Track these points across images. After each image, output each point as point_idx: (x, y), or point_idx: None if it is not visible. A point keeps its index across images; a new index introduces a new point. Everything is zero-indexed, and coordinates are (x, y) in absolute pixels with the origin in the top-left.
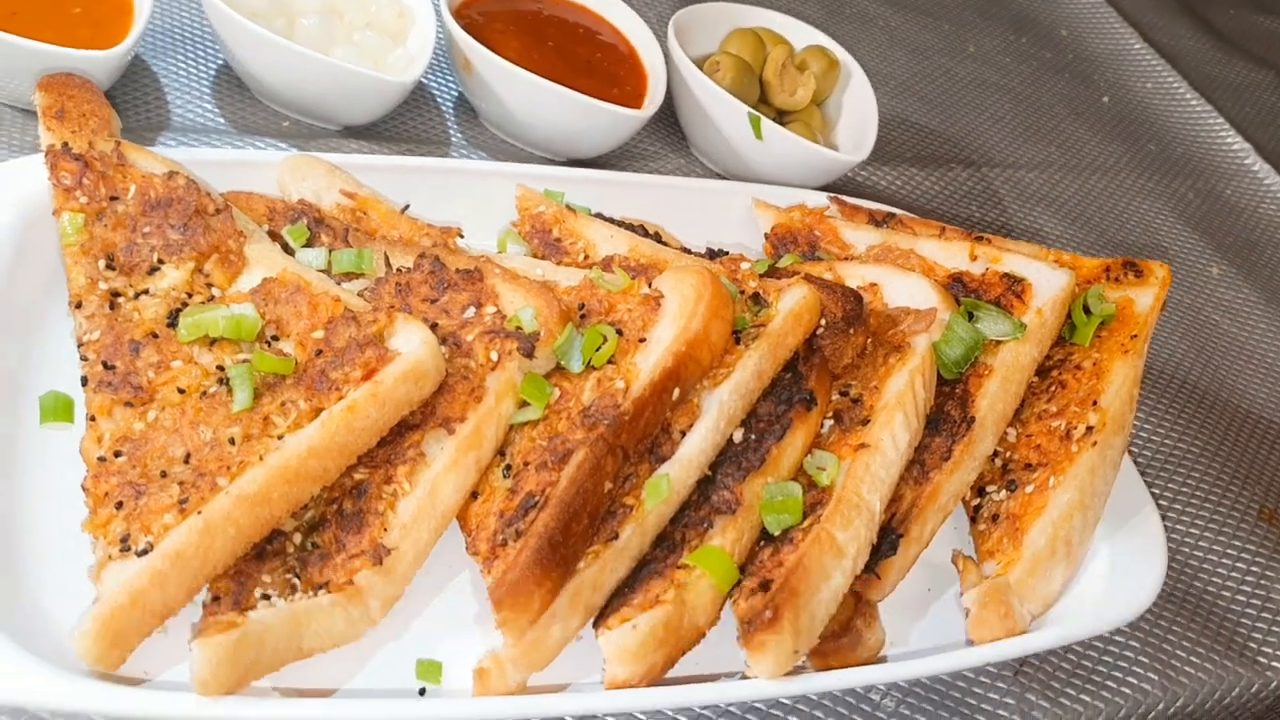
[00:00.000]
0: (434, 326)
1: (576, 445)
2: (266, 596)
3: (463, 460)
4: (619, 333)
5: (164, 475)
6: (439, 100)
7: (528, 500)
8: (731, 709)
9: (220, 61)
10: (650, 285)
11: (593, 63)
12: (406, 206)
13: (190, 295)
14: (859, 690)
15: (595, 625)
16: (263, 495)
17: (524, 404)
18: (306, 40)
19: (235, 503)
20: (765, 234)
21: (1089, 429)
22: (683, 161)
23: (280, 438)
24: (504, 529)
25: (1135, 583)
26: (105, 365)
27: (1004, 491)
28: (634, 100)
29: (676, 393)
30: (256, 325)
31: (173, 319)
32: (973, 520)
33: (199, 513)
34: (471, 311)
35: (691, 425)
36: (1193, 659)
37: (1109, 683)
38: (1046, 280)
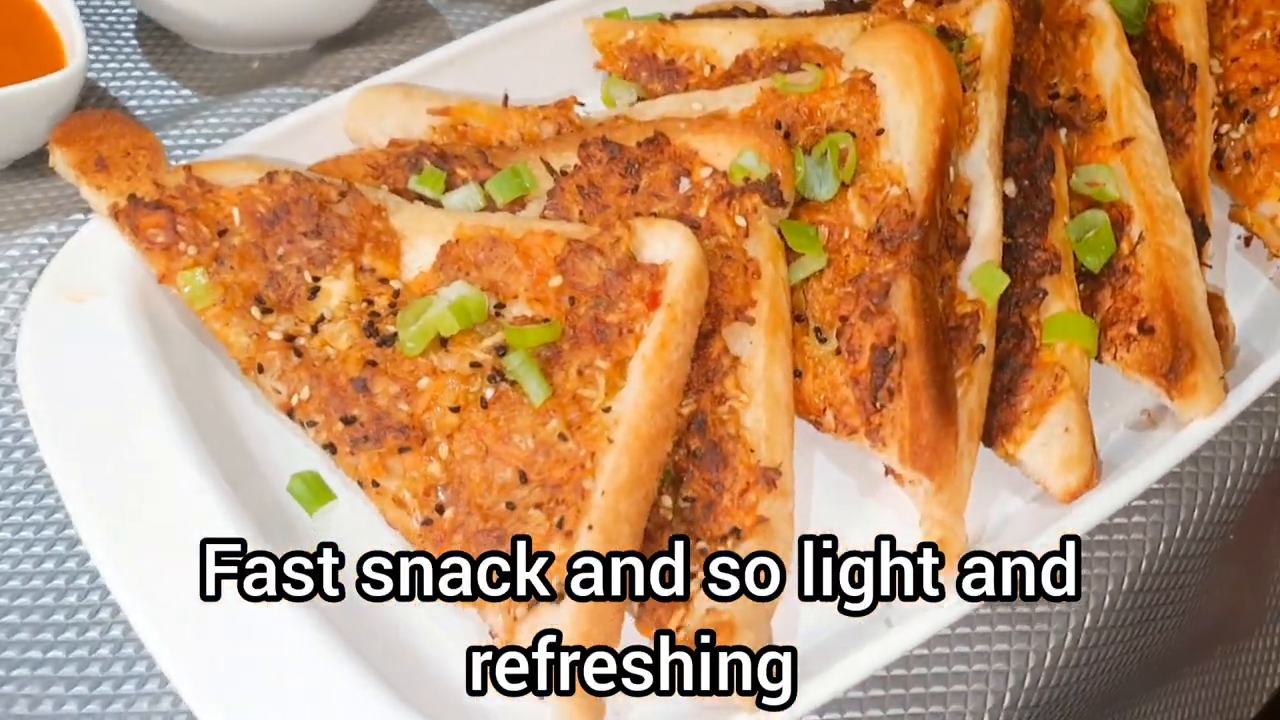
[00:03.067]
0: (653, 216)
1: (893, 275)
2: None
3: (776, 344)
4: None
5: (511, 507)
6: None
7: (880, 356)
8: None
9: (131, 34)
10: (845, 69)
11: None
12: (506, 97)
13: (370, 301)
14: None
15: (990, 445)
16: (635, 477)
17: (795, 257)
18: None
19: (616, 497)
20: None
21: None
22: None
23: (608, 410)
24: (871, 394)
25: None
26: (344, 421)
27: (1242, 126)
28: None
29: (952, 173)
30: (484, 301)
31: (372, 332)
32: (1220, 169)
33: (589, 527)
34: (685, 184)
35: (967, 199)
36: None
37: None
38: None
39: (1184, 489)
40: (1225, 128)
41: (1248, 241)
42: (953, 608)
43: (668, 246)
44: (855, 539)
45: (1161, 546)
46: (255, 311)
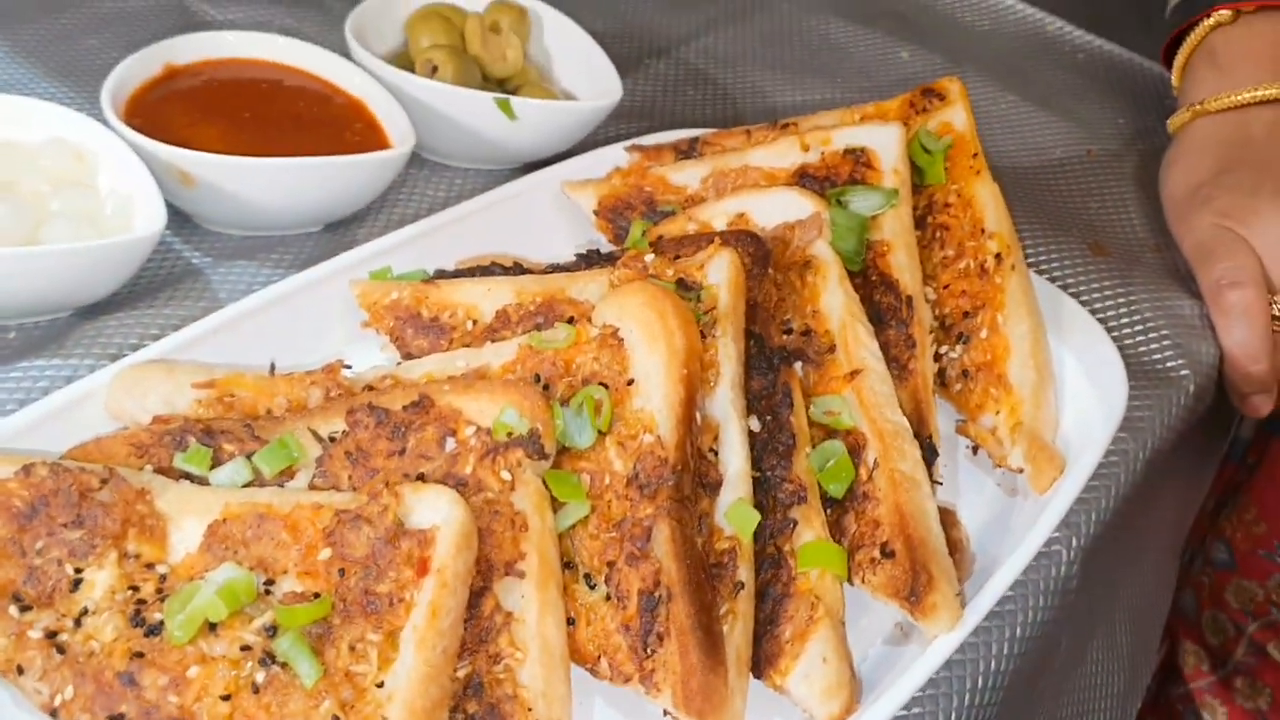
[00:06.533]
0: (421, 478)
1: (653, 520)
2: None
3: (548, 597)
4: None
5: None
6: None
7: (647, 601)
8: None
9: None
10: (595, 324)
11: (305, 117)
12: (273, 366)
13: (136, 588)
14: None
15: (759, 676)
16: None
17: (560, 505)
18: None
19: None
20: (594, 211)
21: (998, 256)
22: (425, 173)
23: (381, 685)
24: (642, 639)
25: (1107, 370)
26: (111, 719)
27: (959, 347)
28: (370, 137)
29: (699, 415)
30: (251, 582)
31: (138, 622)
32: (944, 386)
33: None
34: (451, 443)
35: (716, 438)
36: None
37: None
38: (883, 139)
39: (940, 694)
40: (944, 348)
41: (975, 450)
42: None
43: (436, 510)
44: None
45: None
46: (14, 610)
